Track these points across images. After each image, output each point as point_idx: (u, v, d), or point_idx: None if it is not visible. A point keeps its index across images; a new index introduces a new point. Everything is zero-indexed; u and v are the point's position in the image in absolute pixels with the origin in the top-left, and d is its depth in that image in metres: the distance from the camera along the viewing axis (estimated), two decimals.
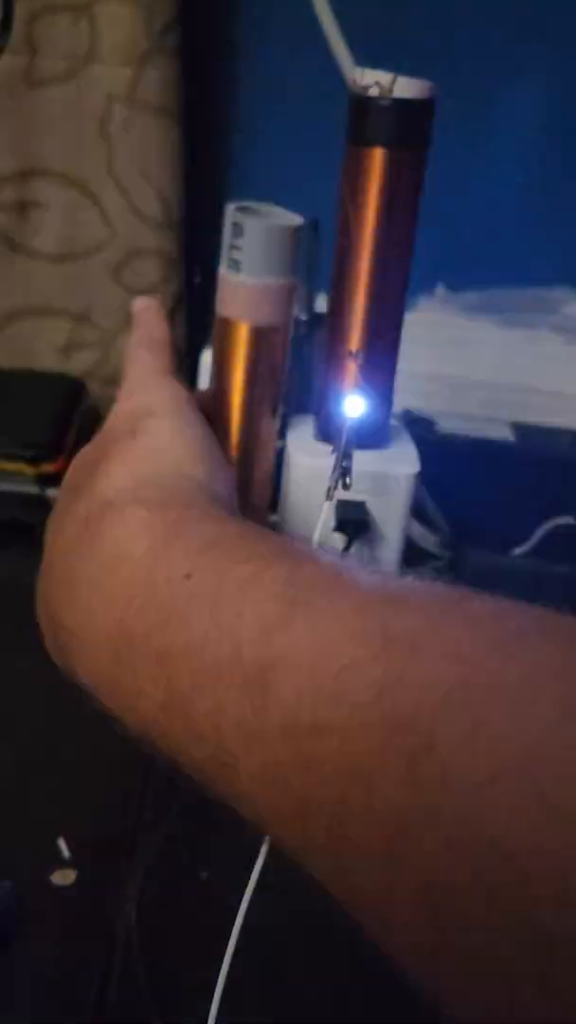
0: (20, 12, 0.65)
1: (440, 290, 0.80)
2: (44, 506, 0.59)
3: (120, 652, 0.25)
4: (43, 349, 0.77)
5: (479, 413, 0.82)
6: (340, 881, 0.20)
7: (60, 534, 0.30)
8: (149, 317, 0.38)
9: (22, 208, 0.72)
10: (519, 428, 0.81)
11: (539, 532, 0.62)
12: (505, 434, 0.80)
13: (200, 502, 0.28)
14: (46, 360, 0.77)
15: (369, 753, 0.18)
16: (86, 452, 0.34)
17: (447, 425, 0.80)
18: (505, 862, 0.16)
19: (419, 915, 0.18)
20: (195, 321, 0.77)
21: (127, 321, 0.77)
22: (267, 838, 0.32)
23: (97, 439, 0.34)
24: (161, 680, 0.23)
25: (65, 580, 0.28)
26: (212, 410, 0.40)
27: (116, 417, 0.33)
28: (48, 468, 0.59)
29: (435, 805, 0.17)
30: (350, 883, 0.20)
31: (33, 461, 0.58)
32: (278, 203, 0.37)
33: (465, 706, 0.18)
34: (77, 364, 0.77)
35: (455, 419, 0.81)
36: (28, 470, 0.59)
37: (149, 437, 0.31)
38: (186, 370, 0.78)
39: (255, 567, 0.23)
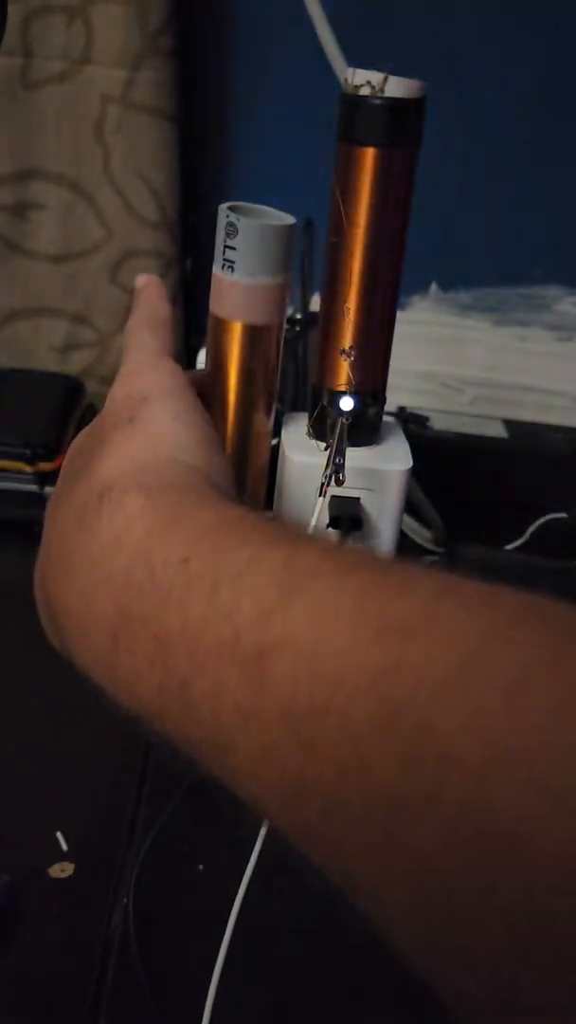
0: (15, 14, 0.66)
1: (433, 289, 0.80)
2: (43, 505, 0.59)
3: (118, 635, 0.25)
4: (41, 349, 0.77)
5: (472, 410, 0.83)
6: (336, 864, 0.20)
7: (58, 519, 0.30)
8: (151, 295, 0.38)
9: (19, 209, 0.72)
10: (512, 425, 0.81)
11: (531, 528, 0.63)
12: (498, 431, 0.81)
13: (198, 488, 0.29)
14: (44, 360, 0.77)
15: (366, 736, 0.19)
16: (84, 437, 0.34)
17: (440, 422, 0.80)
18: (503, 849, 0.16)
19: (416, 899, 0.18)
20: (191, 320, 0.77)
21: (124, 321, 0.77)
22: (262, 833, 0.32)
23: (95, 424, 0.33)
24: (158, 663, 0.24)
25: (63, 564, 0.28)
26: (208, 402, 0.40)
27: (114, 401, 0.33)
28: (47, 467, 0.59)
29: (433, 789, 0.17)
30: (346, 866, 0.20)
31: (32, 460, 0.59)
32: (273, 203, 0.38)
33: (463, 690, 0.17)
34: (75, 363, 0.77)
35: (448, 416, 0.81)
36: (27, 469, 0.59)
37: (147, 423, 0.31)
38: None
39: (253, 552, 0.23)
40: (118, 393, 0.33)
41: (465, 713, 0.17)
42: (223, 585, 0.23)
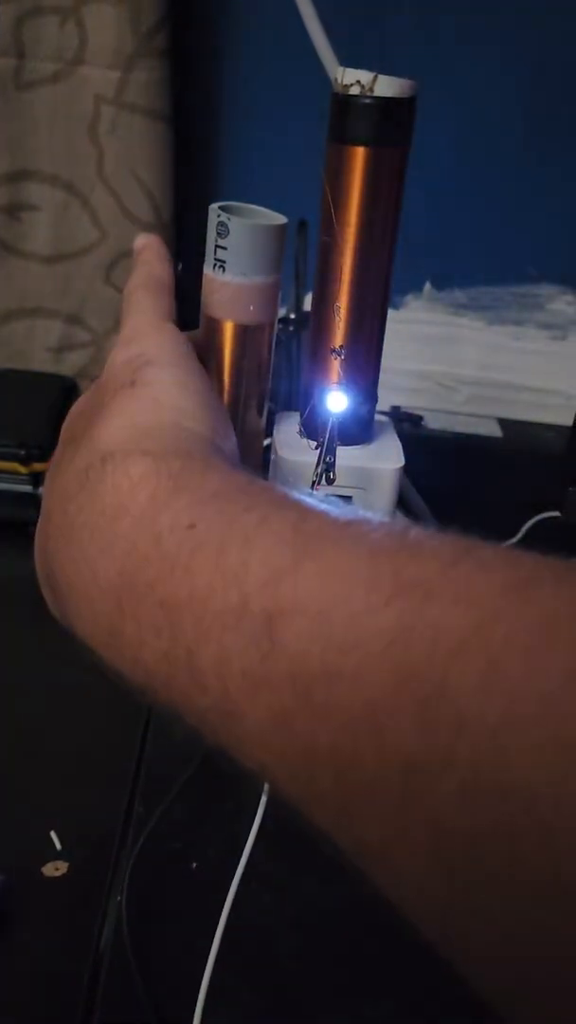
0: (7, 14, 0.66)
1: (427, 288, 0.81)
2: (37, 505, 0.59)
3: (122, 602, 0.24)
4: (35, 349, 0.77)
5: (466, 409, 0.83)
6: (348, 831, 0.20)
7: (58, 486, 0.29)
8: (151, 256, 0.37)
9: (13, 210, 0.72)
10: (506, 424, 0.81)
11: (525, 526, 0.63)
12: (492, 430, 0.81)
13: (203, 453, 0.28)
14: (39, 360, 0.77)
15: (380, 699, 0.18)
16: (83, 403, 0.33)
17: (435, 421, 0.80)
18: (524, 808, 0.16)
19: (432, 866, 0.17)
20: (183, 321, 0.77)
21: (118, 321, 0.77)
22: (254, 831, 0.32)
23: (94, 389, 0.33)
24: (164, 629, 0.23)
25: (65, 531, 0.27)
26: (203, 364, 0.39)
27: (114, 365, 0.32)
28: (41, 467, 0.59)
29: (449, 750, 0.17)
30: (358, 833, 0.19)
31: (26, 461, 0.59)
32: (268, 203, 0.38)
33: (480, 650, 0.17)
34: (69, 364, 0.77)
35: (443, 415, 0.81)
36: (21, 470, 0.59)
37: (150, 387, 0.30)
38: None
39: (261, 515, 0.23)
40: (118, 358, 0.32)
41: (482, 673, 0.17)
42: (230, 550, 0.22)
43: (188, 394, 0.30)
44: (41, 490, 0.59)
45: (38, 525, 0.31)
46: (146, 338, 0.33)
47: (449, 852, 0.17)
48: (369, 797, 0.19)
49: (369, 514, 0.23)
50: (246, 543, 0.22)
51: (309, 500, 0.24)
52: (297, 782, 0.21)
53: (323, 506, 0.24)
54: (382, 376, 0.42)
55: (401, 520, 0.23)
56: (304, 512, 0.23)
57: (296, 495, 0.25)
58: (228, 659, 0.21)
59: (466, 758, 0.17)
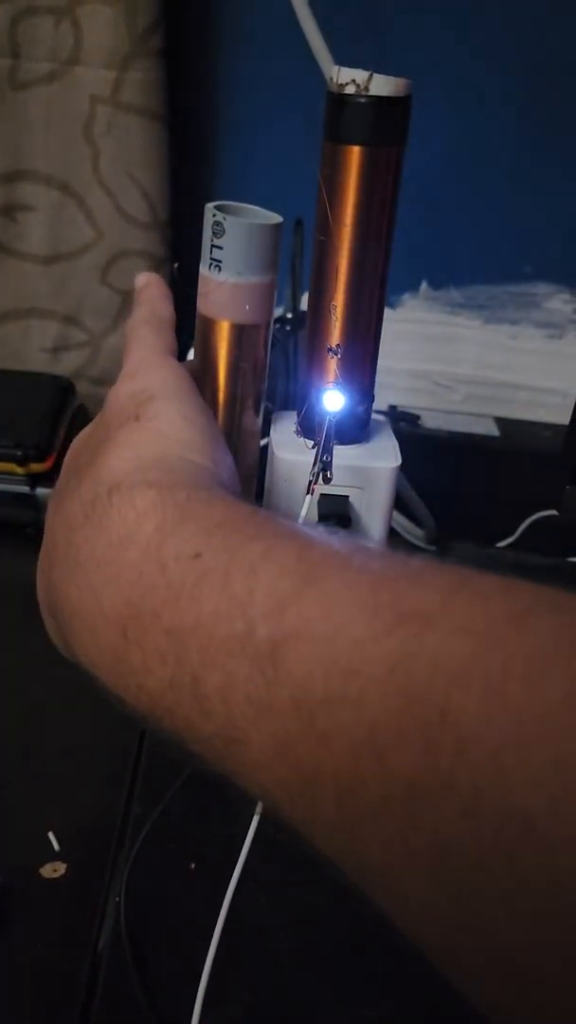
0: (2, 15, 0.66)
1: (424, 287, 0.81)
2: (34, 505, 0.59)
3: (127, 630, 0.25)
4: (32, 350, 0.77)
5: (463, 408, 0.83)
6: (352, 856, 0.20)
7: (63, 515, 0.29)
8: (152, 294, 0.38)
9: (8, 210, 0.72)
10: (503, 423, 0.81)
11: (522, 525, 0.63)
12: (489, 429, 0.81)
13: (207, 484, 0.29)
14: (35, 361, 0.77)
15: (383, 724, 0.19)
16: (86, 436, 0.34)
17: (432, 420, 0.80)
18: (524, 830, 0.16)
19: (436, 888, 0.18)
20: (181, 321, 0.77)
21: (114, 321, 0.78)
22: (252, 831, 0.32)
23: (98, 421, 0.33)
24: (170, 657, 0.24)
25: (70, 560, 0.28)
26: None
27: (118, 399, 0.33)
28: (38, 468, 0.59)
29: (450, 773, 0.17)
30: (362, 858, 0.20)
31: (23, 461, 0.59)
32: (264, 203, 0.38)
33: (479, 677, 0.18)
34: (66, 364, 0.77)
35: (440, 415, 0.81)
36: (18, 470, 0.59)
37: (154, 421, 0.31)
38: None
39: (266, 545, 0.23)
40: (122, 391, 0.33)
41: (482, 698, 0.17)
42: (236, 578, 0.23)
43: (191, 427, 0.31)
44: (38, 491, 0.59)
45: (40, 555, 0.32)
46: (149, 373, 0.34)
47: (452, 873, 0.17)
48: (372, 820, 0.19)
49: (370, 544, 0.24)
50: (251, 572, 0.23)
51: (311, 531, 0.25)
52: (300, 807, 0.21)
53: (325, 537, 0.24)
54: (379, 375, 0.42)
55: (402, 551, 0.24)
56: (307, 542, 0.24)
57: (298, 526, 0.26)
58: (233, 685, 0.22)
59: (467, 781, 0.17)
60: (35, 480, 0.59)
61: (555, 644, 0.18)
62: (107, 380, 0.78)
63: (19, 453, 0.59)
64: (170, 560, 0.25)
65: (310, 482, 0.38)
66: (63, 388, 0.66)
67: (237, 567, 0.23)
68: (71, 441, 0.66)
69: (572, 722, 0.16)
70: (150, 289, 0.38)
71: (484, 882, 0.17)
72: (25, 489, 0.59)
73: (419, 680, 0.18)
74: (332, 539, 0.24)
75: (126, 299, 0.75)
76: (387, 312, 0.41)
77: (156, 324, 0.37)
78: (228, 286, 0.37)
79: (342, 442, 0.40)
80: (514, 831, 0.16)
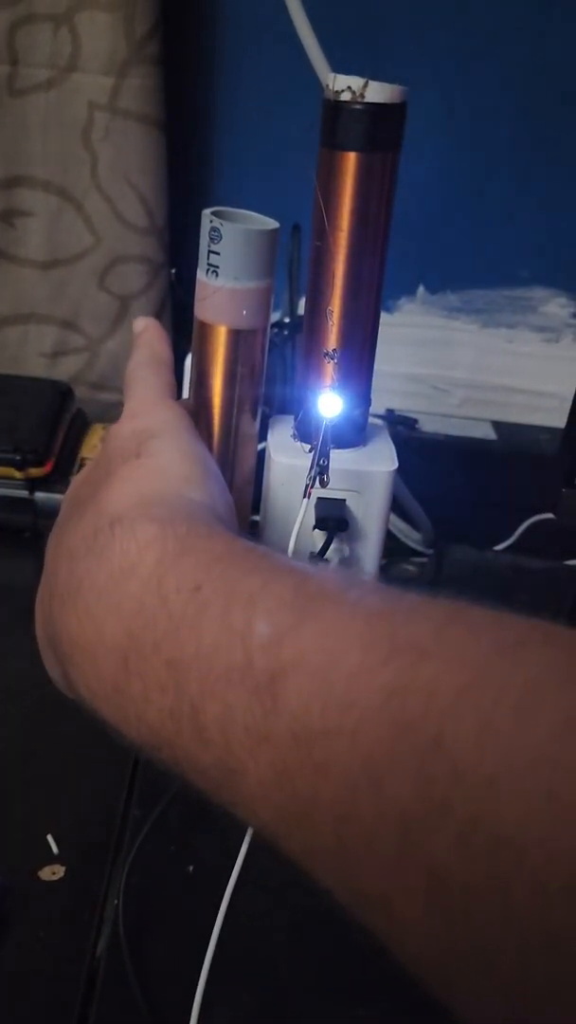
0: (1, 21, 0.66)
1: (421, 291, 0.81)
2: (33, 510, 0.60)
3: (128, 660, 0.26)
4: (30, 355, 0.77)
5: (460, 412, 0.83)
6: (348, 884, 0.21)
7: (64, 548, 0.30)
8: (151, 337, 0.39)
9: (6, 216, 0.73)
10: (500, 426, 0.82)
11: (520, 528, 0.63)
12: (486, 432, 0.81)
13: (206, 519, 0.29)
14: (33, 366, 0.77)
15: (379, 754, 0.19)
16: (88, 472, 0.35)
17: (429, 424, 0.81)
18: (517, 858, 0.16)
19: (430, 915, 0.18)
20: (179, 326, 0.78)
21: (113, 326, 0.78)
22: (250, 833, 0.32)
23: (100, 459, 0.35)
24: (170, 687, 0.24)
25: (72, 592, 0.29)
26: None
27: (119, 437, 0.34)
28: (36, 472, 0.59)
29: (445, 802, 0.18)
30: (360, 886, 0.20)
31: (21, 465, 0.59)
32: (262, 208, 0.38)
33: (472, 708, 0.18)
34: (64, 369, 0.77)
35: (437, 418, 0.82)
36: (17, 474, 0.59)
37: (154, 458, 0.32)
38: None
39: (264, 579, 0.24)
40: (123, 430, 0.34)
41: (475, 729, 0.18)
42: (235, 611, 0.24)
43: (190, 465, 0.32)
44: (37, 495, 0.60)
45: (40, 588, 0.33)
46: (150, 413, 0.35)
47: (447, 900, 0.18)
48: (369, 849, 0.19)
49: (365, 579, 0.24)
50: (249, 605, 0.23)
51: (307, 566, 0.26)
52: (298, 837, 0.21)
53: (321, 572, 0.25)
54: (376, 379, 0.42)
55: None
56: (303, 577, 0.24)
57: (294, 561, 0.27)
58: (232, 716, 0.22)
59: (461, 810, 0.17)
60: (33, 484, 0.60)
61: (546, 676, 0.18)
62: (105, 384, 0.78)
63: (17, 457, 0.59)
64: (171, 592, 0.25)
65: (307, 486, 0.38)
66: (61, 393, 0.66)
67: (236, 600, 0.24)
68: (69, 445, 0.66)
69: (562, 753, 0.17)
70: (149, 332, 0.40)
71: (479, 908, 0.17)
72: (23, 493, 0.60)
73: (413, 711, 0.19)
74: (327, 574, 0.25)
75: (124, 304, 0.75)
76: (384, 316, 0.42)
77: (155, 366, 0.38)
78: (225, 291, 0.37)
79: (339, 446, 0.40)
80: (507, 859, 0.17)
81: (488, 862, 0.17)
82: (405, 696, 0.19)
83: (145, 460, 0.32)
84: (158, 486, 0.31)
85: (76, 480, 0.36)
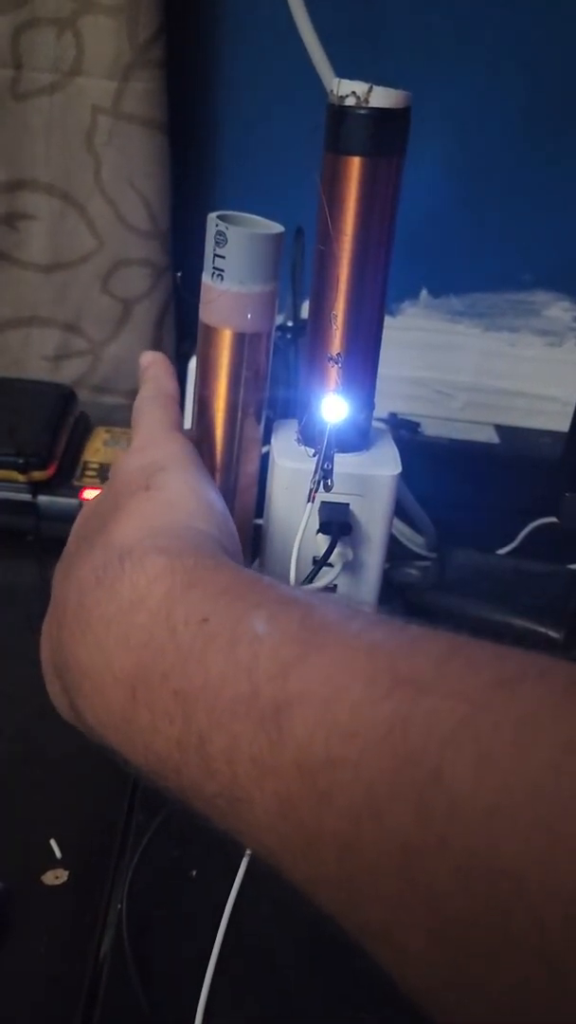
0: (5, 25, 0.66)
1: (424, 295, 0.81)
2: (36, 513, 0.59)
3: (136, 691, 0.26)
4: (33, 358, 0.77)
5: (463, 416, 0.83)
6: (351, 913, 0.21)
7: (74, 580, 0.31)
8: (158, 372, 0.40)
9: (9, 219, 0.73)
10: (502, 430, 0.82)
11: (523, 532, 0.63)
12: (489, 436, 0.81)
13: (213, 552, 0.30)
14: (36, 369, 0.77)
15: (381, 785, 0.19)
16: (96, 504, 0.36)
17: (432, 428, 0.81)
18: (515, 888, 0.17)
19: (432, 943, 0.18)
20: (182, 328, 0.78)
21: (115, 329, 0.78)
22: None
23: (108, 491, 0.35)
24: (177, 717, 0.25)
25: (82, 622, 0.29)
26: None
27: (128, 470, 0.35)
28: (39, 475, 0.59)
29: (444, 833, 0.18)
30: (361, 914, 0.21)
31: (24, 469, 0.59)
32: (265, 212, 0.38)
33: (471, 741, 0.19)
34: (67, 372, 0.77)
35: (439, 422, 0.82)
36: (19, 478, 0.59)
37: (163, 491, 0.33)
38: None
39: (270, 612, 0.25)
40: (132, 464, 0.35)
41: (473, 762, 0.18)
42: (241, 644, 0.24)
43: (197, 498, 0.33)
44: (39, 498, 0.60)
45: (47, 618, 0.33)
46: (158, 447, 0.36)
47: (448, 928, 0.18)
48: (371, 879, 0.20)
49: (367, 611, 0.25)
50: (256, 637, 0.24)
51: (312, 598, 0.26)
52: (302, 865, 0.22)
53: (324, 603, 0.26)
54: (378, 383, 0.42)
55: (398, 620, 0.25)
56: (308, 609, 0.25)
57: (299, 592, 0.27)
58: (238, 746, 0.23)
59: (460, 841, 0.18)
60: (36, 488, 0.60)
61: (543, 710, 0.19)
62: (108, 388, 0.78)
63: (20, 461, 0.59)
64: (179, 624, 0.26)
65: (312, 490, 0.39)
66: (64, 396, 0.66)
67: (243, 633, 0.24)
68: (72, 448, 0.66)
69: (558, 785, 0.17)
70: (155, 367, 0.40)
71: (477, 939, 0.17)
72: (26, 497, 0.60)
73: (414, 743, 0.19)
74: (330, 606, 0.26)
75: (127, 307, 0.75)
76: (387, 320, 0.42)
77: (162, 400, 0.39)
78: (230, 295, 0.37)
79: (343, 450, 0.41)
80: (506, 888, 0.17)
81: (487, 894, 0.17)
82: (406, 728, 0.20)
83: (153, 493, 0.33)
84: (166, 519, 0.31)
85: (84, 512, 0.37)
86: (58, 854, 0.39)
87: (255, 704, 0.23)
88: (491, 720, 0.19)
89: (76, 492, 0.59)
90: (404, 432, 0.79)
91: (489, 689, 0.20)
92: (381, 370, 0.42)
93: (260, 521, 0.44)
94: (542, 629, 0.51)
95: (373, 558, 0.43)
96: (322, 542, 0.41)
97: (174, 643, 0.26)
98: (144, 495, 0.33)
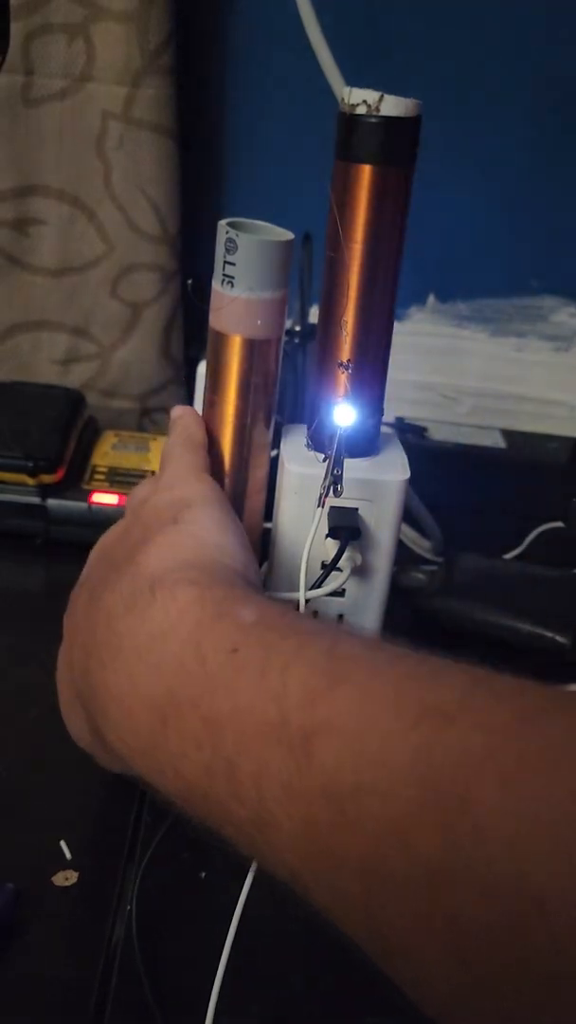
0: (16, 31, 0.67)
1: (431, 300, 0.81)
2: (44, 516, 0.60)
3: (166, 717, 0.27)
4: (42, 362, 0.78)
5: (470, 421, 0.84)
6: (376, 936, 0.21)
7: (102, 607, 0.32)
8: (187, 422, 0.41)
9: (20, 224, 0.73)
10: (509, 435, 0.82)
11: (529, 537, 0.63)
12: (496, 441, 0.81)
13: (240, 585, 0.31)
14: (45, 373, 0.78)
15: (407, 813, 0.20)
16: (118, 532, 0.37)
17: (439, 433, 0.81)
18: (537, 911, 0.17)
19: (455, 967, 0.19)
20: (192, 332, 0.78)
21: (124, 334, 0.78)
22: None
23: (133, 523, 0.36)
24: (206, 743, 0.25)
25: (112, 649, 0.30)
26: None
27: (157, 505, 0.36)
28: (48, 479, 0.60)
29: (469, 860, 0.19)
30: (385, 937, 0.21)
31: (33, 472, 0.59)
32: (273, 217, 0.38)
33: (496, 771, 0.19)
34: (76, 376, 0.78)
35: (447, 427, 0.82)
36: (29, 481, 0.60)
37: (191, 525, 0.34)
38: (183, 383, 0.79)
39: (298, 643, 0.25)
40: (161, 500, 0.36)
41: (498, 790, 0.19)
42: (271, 673, 0.25)
43: (224, 534, 0.34)
44: (48, 502, 0.60)
45: (67, 646, 0.34)
46: (186, 484, 0.37)
47: (471, 951, 0.19)
48: (396, 902, 0.20)
49: (392, 644, 0.26)
50: (284, 668, 0.25)
51: (336, 628, 0.28)
52: (327, 889, 0.22)
53: (352, 634, 0.27)
54: (386, 387, 0.43)
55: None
56: (336, 640, 0.26)
57: (326, 624, 0.29)
58: (267, 772, 0.23)
59: (485, 866, 0.18)
60: (45, 491, 0.60)
61: (565, 742, 0.19)
62: (117, 392, 0.78)
63: (29, 464, 0.59)
64: (209, 653, 0.27)
65: (322, 495, 0.39)
66: (73, 400, 0.66)
67: (272, 663, 0.25)
68: (81, 452, 0.67)
69: None
70: (185, 418, 0.42)
71: (501, 966, 0.18)
72: (35, 500, 0.60)
73: (440, 772, 0.20)
74: (356, 637, 0.26)
75: (136, 312, 0.76)
76: (395, 325, 0.42)
77: (191, 445, 0.40)
78: (241, 301, 0.38)
79: (352, 455, 0.41)
80: (528, 911, 0.17)
81: (509, 915, 0.18)
82: (432, 757, 0.20)
83: (183, 527, 0.33)
84: (195, 552, 0.32)
85: (104, 541, 0.38)
86: (68, 855, 0.40)
87: (284, 731, 0.23)
88: (515, 751, 0.19)
89: (85, 496, 0.60)
90: (410, 436, 0.79)
91: (513, 721, 0.20)
92: (388, 375, 0.42)
93: (268, 525, 0.45)
94: (549, 634, 0.51)
95: (382, 562, 0.43)
96: (331, 546, 0.41)
97: (204, 671, 0.26)
98: (173, 528, 0.33)
